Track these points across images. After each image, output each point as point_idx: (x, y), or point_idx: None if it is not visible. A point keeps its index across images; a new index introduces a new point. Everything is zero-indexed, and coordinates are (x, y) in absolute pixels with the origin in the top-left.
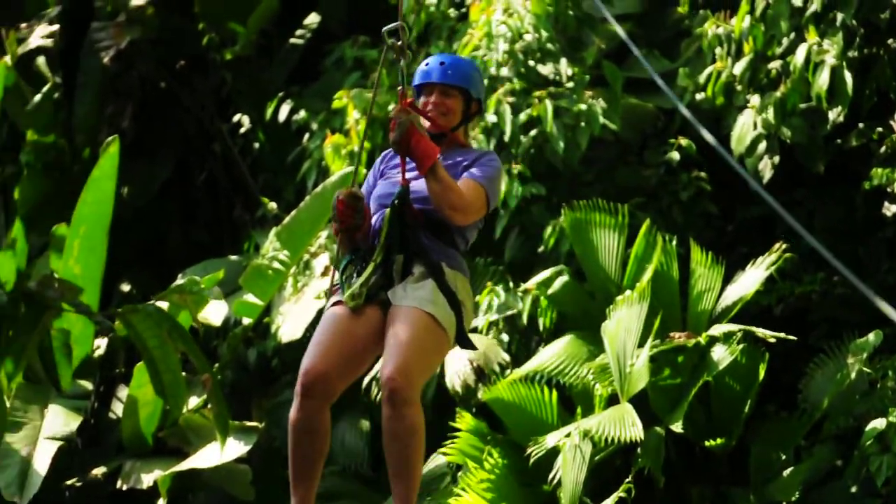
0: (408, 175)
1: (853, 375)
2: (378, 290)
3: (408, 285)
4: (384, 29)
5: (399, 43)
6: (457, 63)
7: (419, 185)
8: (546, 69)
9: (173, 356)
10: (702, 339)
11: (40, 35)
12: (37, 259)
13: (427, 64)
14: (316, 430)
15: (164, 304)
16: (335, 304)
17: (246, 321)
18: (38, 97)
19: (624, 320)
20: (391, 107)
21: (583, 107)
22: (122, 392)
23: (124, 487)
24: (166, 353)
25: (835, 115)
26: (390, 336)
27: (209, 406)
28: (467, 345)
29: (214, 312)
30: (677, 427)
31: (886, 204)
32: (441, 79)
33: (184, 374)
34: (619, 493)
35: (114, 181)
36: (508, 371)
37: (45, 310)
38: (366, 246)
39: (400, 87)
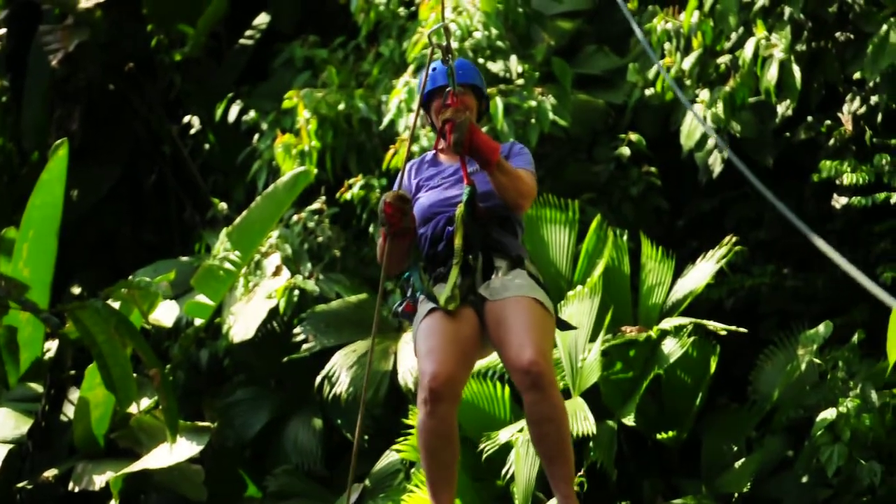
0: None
1: (803, 367)
2: (468, 291)
3: (502, 279)
4: (428, 32)
5: (445, 44)
6: (461, 65)
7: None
8: (496, 66)
9: (121, 351)
10: (653, 333)
11: None
12: None
13: (434, 69)
14: (451, 434)
15: (116, 305)
16: (429, 312)
17: (198, 322)
18: None
19: (575, 315)
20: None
21: (533, 104)
22: (74, 394)
23: (76, 489)
24: (114, 348)
25: (783, 108)
26: (510, 326)
27: (161, 406)
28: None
29: (166, 313)
30: (629, 420)
31: (835, 196)
32: (459, 80)
33: (135, 374)
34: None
35: (63, 184)
36: None
37: None
38: (421, 253)
39: (450, 88)
